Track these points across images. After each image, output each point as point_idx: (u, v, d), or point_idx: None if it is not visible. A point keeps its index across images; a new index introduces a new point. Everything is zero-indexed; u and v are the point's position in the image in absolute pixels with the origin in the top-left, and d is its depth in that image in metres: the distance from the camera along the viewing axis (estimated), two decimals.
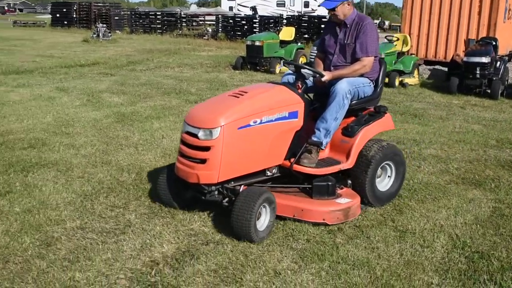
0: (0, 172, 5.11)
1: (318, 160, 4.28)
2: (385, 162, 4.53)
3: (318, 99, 4.66)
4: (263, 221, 3.86)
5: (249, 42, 14.36)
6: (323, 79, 4.33)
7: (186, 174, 3.92)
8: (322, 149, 4.34)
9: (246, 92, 4.11)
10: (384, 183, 4.62)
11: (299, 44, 15.28)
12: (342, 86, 4.23)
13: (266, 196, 3.81)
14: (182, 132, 4.02)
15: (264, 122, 3.93)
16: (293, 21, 26.09)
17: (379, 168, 4.50)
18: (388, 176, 4.65)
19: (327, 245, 3.73)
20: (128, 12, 34.09)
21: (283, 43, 14.38)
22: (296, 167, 4.18)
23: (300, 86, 4.31)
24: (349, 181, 4.47)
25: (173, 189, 4.21)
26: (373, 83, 4.60)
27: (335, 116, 4.25)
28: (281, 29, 18.12)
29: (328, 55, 4.65)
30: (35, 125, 7.16)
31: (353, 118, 4.51)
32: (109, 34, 25.89)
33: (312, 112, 4.41)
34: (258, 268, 3.40)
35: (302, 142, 4.24)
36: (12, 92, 9.84)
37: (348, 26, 4.50)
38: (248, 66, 14.30)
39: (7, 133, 6.66)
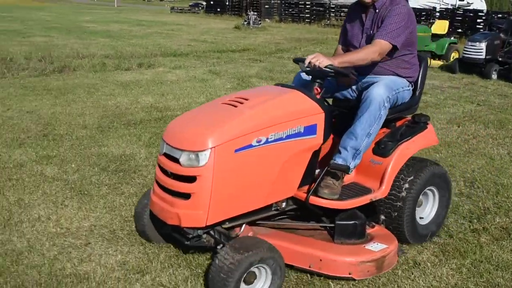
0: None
1: (342, 187, 3.34)
2: (427, 188, 3.60)
3: (338, 104, 3.72)
4: None
5: None
6: (311, 59, 3.18)
7: (164, 213, 2.90)
8: (349, 174, 3.38)
9: (246, 99, 3.02)
10: (425, 214, 3.72)
11: (452, 38, 14.60)
12: (380, 92, 3.25)
13: (260, 256, 2.76)
14: (159, 154, 3.02)
15: (271, 142, 2.89)
16: (446, 14, 24.87)
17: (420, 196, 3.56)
18: (431, 205, 3.74)
19: (470, 243, 3.65)
20: (278, 1, 34.86)
21: (435, 36, 13.84)
22: (314, 200, 3.17)
23: (319, 89, 3.25)
24: (382, 217, 3.49)
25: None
26: (411, 86, 3.64)
27: (368, 131, 3.26)
28: (433, 22, 17.41)
29: (351, 49, 3.61)
30: (190, 104, 7.77)
31: (386, 131, 3.55)
32: (259, 22, 26.74)
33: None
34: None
35: (320, 166, 3.33)
36: (169, 73, 10.72)
37: (377, 10, 3.47)
38: None
39: (165, 109, 7.33)
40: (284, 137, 2.94)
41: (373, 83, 3.37)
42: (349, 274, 3.06)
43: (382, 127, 3.41)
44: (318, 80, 3.25)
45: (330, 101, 3.69)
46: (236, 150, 2.78)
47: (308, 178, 3.22)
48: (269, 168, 2.95)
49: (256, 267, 2.80)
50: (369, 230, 3.37)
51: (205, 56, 13.87)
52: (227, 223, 2.99)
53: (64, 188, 4.34)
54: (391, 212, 3.44)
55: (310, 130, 3.05)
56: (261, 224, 3.29)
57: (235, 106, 2.97)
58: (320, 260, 3.06)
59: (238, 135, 2.79)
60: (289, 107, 3.01)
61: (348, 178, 3.42)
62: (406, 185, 3.40)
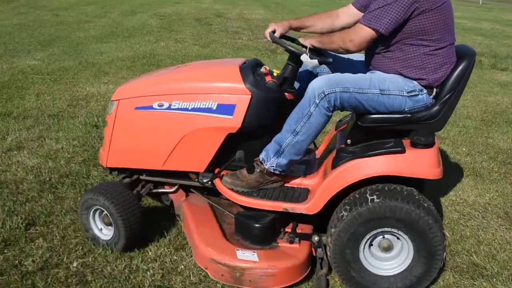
0: None
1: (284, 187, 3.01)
2: (383, 229, 2.70)
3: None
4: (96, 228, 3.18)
5: None
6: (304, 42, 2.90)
7: None
8: (271, 172, 2.93)
9: (188, 66, 3.28)
10: (392, 264, 2.81)
11: None
12: (315, 84, 2.71)
13: (89, 196, 3.05)
14: None
15: (174, 109, 2.94)
16: None
17: (383, 237, 2.76)
18: (403, 255, 2.78)
19: None
20: None
21: None
22: (217, 184, 3.06)
23: (267, 71, 2.99)
24: (316, 238, 2.92)
25: None
26: (430, 92, 2.81)
27: (294, 127, 2.79)
28: None
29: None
30: None
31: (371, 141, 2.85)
32: None
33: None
34: None
35: (248, 155, 3.01)
36: None
37: None
38: None
39: None
40: (189, 108, 2.93)
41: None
42: (205, 268, 2.90)
43: (372, 135, 2.85)
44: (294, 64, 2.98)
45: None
46: (136, 108, 3.02)
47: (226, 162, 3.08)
48: (168, 135, 3.00)
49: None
50: (282, 244, 2.94)
51: None
52: (126, 174, 3.29)
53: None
54: (326, 238, 2.84)
55: (225, 109, 2.90)
56: (195, 193, 3.35)
57: (173, 71, 3.23)
58: (194, 242, 2.98)
59: (141, 95, 3.02)
60: (209, 81, 2.97)
61: (304, 183, 3.06)
62: (344, 213, 2.68)
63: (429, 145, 2.72)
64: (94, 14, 15.36)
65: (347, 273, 2.77)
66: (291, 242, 2.93)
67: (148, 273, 2.94)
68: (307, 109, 2.74)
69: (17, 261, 2.97)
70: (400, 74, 2.81)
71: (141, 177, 3.30)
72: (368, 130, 2.86)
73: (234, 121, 2.90)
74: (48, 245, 3.15)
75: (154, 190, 3.39)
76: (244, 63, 3.09)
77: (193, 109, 2.93)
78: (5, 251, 3.08)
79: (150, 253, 3.13)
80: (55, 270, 2.92)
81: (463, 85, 2.79)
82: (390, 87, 2.76)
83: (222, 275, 2.82)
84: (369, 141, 2.85)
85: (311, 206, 2.83)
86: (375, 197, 2.64)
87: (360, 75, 2.81)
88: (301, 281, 2.90)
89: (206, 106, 2.90)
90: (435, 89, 2.83)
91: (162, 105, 2.97)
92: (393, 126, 2.83)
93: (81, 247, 3.16)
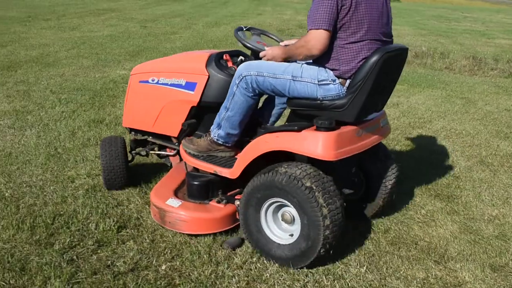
0: None
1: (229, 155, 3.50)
2: (277, 199, 3.05)
3: None
4: None
5: None
6: (260, 54, 3.29)
7: None
8: (216, 142, 3.46)
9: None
10: (284, 232, 3.16)
11: None
12: (241, 68, 3.27)
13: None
14: None
15: (160, 83, 3.71)
16: None
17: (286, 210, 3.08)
18: (293, 225, 3.09)
19: None
20: None
21: None
22: (181, 146, 3.66)
23: (228, 58, 3.68)
24: (237, 202, 3.34)
25: None
26: (344, 83, 3.03)
27: (225, 104, 3.35)
28: None
29: None
30: None
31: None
32: None
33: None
34: None
35: (209, 125, 3.56)
36: None
37: None
38: None
39: None
40: (168, 83, 3.67)
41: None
42: (150, 210, 3.67)
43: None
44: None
45: None
46: (140, 81, 3.83)
47: (193, 131, 3.70)
48: (155, 103, 3.75)
49: None
50: (213, 202, 3.46)
51: None
52: (138, 134, 4.08)
53: None
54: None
55: (190, 86, 3.57)
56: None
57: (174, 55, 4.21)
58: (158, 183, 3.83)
59: (143, 72, 3.83)
60: (185, 63, 3.76)
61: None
62: (251, 181, 3.13)
63: (329, 129, 2.97)
64: (180, 26, 15.92)
65: (251, 236, 3.20)
66: (219, 202, 3.45)
67: (233, 279, 2.97)
68: (232, 88, 3.29)
69: (109, 262, 3.10)
70: (321, 63, 3.07)
71: (148, 138, 4.07)
72: (295, 113, 3.29)
73: (195, 96, 3.56)
74: (138, 248, 3.26)
75: (159, 152, 4.12)
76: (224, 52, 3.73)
77: (171, 84, 3.66)
78: (99, 251, 3.22)
79: (236, 259, 3.17)
80: (145, 272, 3.01)
81: (373, 79, 2.92)
82: (303, 75, 3.08)
83: (155, 215, 3.54)
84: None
85: (232, 172, 3.29)
86: (274, 169, 3.01)
87: (280, 63, 3.17)
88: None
89: (179, 83, 3.62)
90: (348, 80, 3.03)
91: (154, 80, 3.74)
92: (310, 111, 3.14)
93: (169, 251, 3.24)
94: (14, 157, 4.69)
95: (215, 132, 3.44)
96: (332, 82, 3.04)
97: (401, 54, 3.12)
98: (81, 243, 3.28)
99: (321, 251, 2.92)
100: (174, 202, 3.46)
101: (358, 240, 3.47)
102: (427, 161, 5.09)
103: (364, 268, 3.15)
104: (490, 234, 3.69)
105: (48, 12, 18.35)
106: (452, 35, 17.82)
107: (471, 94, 8.43)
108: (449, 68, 11.01)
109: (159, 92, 3.71)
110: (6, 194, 3.93)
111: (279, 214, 3.15)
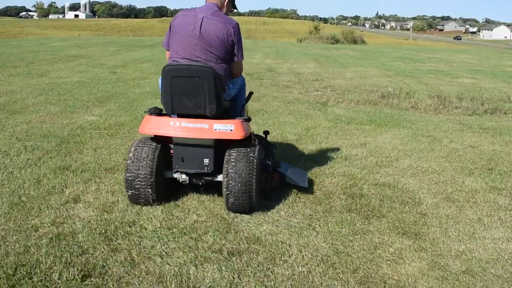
0: None
1: None
2: None
3: None
4: None
5: None
6: None
7: None
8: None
9: None
10: None
11: None
12: None
13: None
14: None
15: None
16: None
17: None
18: None
19: None
20: None
21: None
22: None
23: None
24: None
25: None
26: None
27: None
28: None
29: None
30: None
31: None
32: None
33: None
34: None
35: None
36: None
37: None
38: None
39: None
40: None
41: None
42: None
43: None
44: None
45: None
46: None
47: None
48: None
49: None
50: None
51: None
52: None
53: None
54: None
55: None
56: None
57: None
58: None
59: None
60: None
61: None
62: None
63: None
64: (149, 71, 15.99)
65: None
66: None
67: None
68: None
69: None
70: None
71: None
72: None
73: None
74: None
75: None
76: None
77: None
78: None
79: None
80: None
81: (172, 89, 4.68)
82: None
83: None
84: None
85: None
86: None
87: None
88: None
89: None
90: None
91: None
92: None
93: None
94: None
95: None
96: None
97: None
98: None
99: None
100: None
101: (326, 282, 3.45)
102: (394, 199, 5.14)
103: None
104: (458, 270, 3.71)
105: (16, 59, 18.27)
106: (417, 75, 18.34)
107: (436, 132, 8.63)
108: (414, 107, 11.28)
109: None
110: None
111: None
